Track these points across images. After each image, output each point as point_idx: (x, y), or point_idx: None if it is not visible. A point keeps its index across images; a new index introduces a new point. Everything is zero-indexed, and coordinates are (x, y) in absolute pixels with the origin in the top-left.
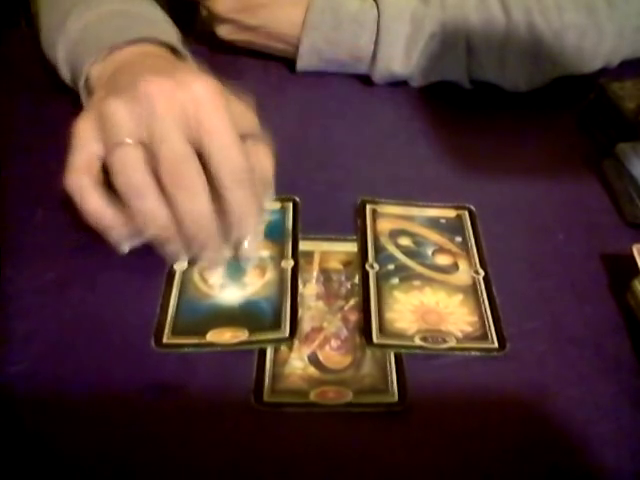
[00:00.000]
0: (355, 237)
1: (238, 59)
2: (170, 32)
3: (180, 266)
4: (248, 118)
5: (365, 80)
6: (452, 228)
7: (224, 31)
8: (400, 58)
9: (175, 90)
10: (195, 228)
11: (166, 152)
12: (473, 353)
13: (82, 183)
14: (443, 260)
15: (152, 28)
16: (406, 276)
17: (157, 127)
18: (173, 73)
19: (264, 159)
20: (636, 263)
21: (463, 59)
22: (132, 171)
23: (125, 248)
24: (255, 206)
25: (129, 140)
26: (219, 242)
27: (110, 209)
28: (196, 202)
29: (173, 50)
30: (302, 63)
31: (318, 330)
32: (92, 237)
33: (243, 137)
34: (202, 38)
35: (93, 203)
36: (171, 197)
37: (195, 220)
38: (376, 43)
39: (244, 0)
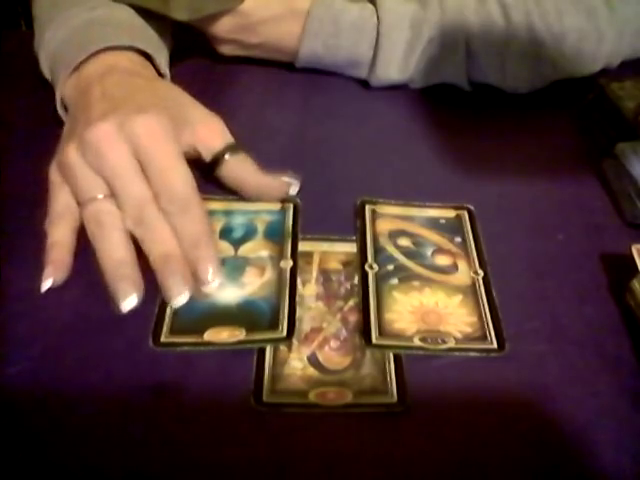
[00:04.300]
0: (354, 237)
1: (238, 59)
2: (144, 37)
3: None
4: (209, 137)
5: (365, 81)
6: (451, 228)
7: (226, 49)
8: (398, 64)
9: (118, 132)
10: (169, 264)
11: (127, 199)
12: (472, 354)
13: (64, 232)
14: (442, 260)
15: (123, 35)
16: (405, 276)
17: (112, 176)
18: (118, 109)
19: (242, 172)
20: (635, 263)
21: (463, 63)
22: (108, 229)
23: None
24: (203, 229)
25: (100, 195)
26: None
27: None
28: (162, 242)
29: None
30: (300, 65)
31: (317, 330)
32: None
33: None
34: (204, 39)
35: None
36: (142, 241)
37: (167, 257)
38: (375, 50)
39: (243, 19)
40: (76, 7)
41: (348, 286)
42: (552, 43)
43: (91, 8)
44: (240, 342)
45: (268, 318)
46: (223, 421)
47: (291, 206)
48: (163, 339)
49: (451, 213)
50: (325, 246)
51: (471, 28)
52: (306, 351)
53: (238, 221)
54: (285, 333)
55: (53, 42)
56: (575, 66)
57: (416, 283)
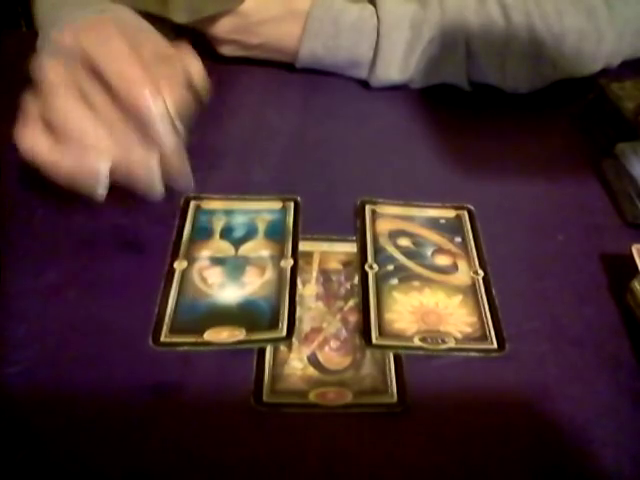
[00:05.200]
0: (354, 237)
1: (239, 60)
2: None
3: (180, 265)
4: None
5: (365, 81)
6: (451, 228)
7: (226, 50)
8: (398, 65)
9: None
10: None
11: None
12: (472, 354)
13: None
14: (442, 260)
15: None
16: (405, 277)
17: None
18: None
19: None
20: (635, 263)
21: (463, 63)
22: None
23: (100, 191)
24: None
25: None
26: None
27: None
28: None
29: None
30: (300, 66)
31: (317, 331)
32: (91, 237)
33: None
34: (204, 39)
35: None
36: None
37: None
38: (376, 50)
39: (243, 20)
40: (81, 10)
41: (348, 286)
42: (552, 43)
43: (101, 11)
44: (240, 342)
45: (268, 318)
46: (223, 421)
47: (292, 205)
48: (163, 339)
49: (451, 213)
50: (325, 246)
51: (471, 28)
52: (306, 351)
53: (239, 220)
54: (285, 333)
55: None
56: (575, 66)
57: (416, 283)
